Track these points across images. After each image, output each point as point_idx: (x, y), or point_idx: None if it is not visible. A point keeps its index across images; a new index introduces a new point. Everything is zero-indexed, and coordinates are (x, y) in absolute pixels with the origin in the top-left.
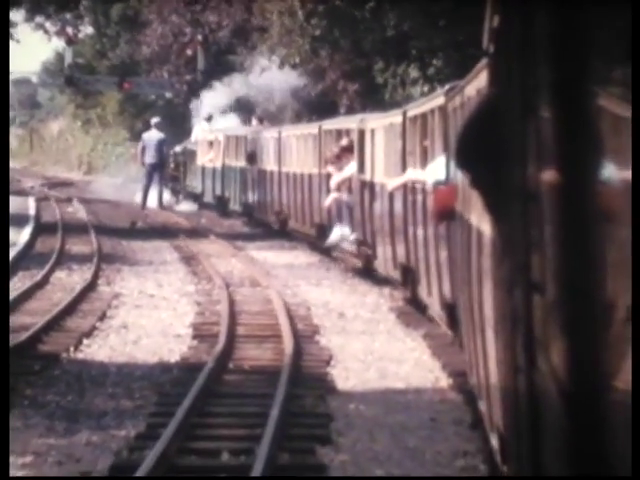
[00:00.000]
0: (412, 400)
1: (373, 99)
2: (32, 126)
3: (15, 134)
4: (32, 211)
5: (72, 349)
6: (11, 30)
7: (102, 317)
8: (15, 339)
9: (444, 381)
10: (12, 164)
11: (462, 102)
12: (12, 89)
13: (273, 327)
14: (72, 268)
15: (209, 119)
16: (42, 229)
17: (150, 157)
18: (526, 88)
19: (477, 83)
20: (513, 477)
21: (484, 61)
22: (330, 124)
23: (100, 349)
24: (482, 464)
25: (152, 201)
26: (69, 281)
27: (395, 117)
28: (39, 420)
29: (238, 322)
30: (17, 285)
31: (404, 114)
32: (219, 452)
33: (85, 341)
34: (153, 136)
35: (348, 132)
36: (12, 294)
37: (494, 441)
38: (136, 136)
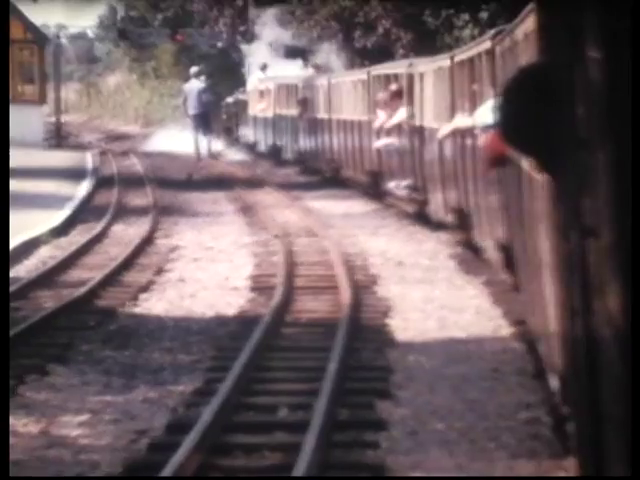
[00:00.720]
0: (473, 350)
1: (425, 45)
2: (89, 80)
3: (73, 89)
4: (90, 165)
5: (129, 304)
6: None
7: (159, 271)
8: (72, 294)
9: (505, 329)
10: (70, 118)
11: (510, 46)
12: (69, 44)
13: (330, 278)
14: (130, 221)
15: (264, 68)
16: (100, 183)
17: (193, 107)
18: (575, 33)
19: (525, 27)
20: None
21: (532, 4)
22: (379, 69)
23: (157, 303)
24: (546, 416)
25: (203, 151)
26: (127, 234)
27: (443, 61)
28: (96, 376)
29: (295, 274)
30: (76, 239)
31: (452, 58)
32: (277, 407)
33: (142, 295)
34: (194, 86)
35: (397, 77)
36: (72, 247)
37: (554, 383)
38: None
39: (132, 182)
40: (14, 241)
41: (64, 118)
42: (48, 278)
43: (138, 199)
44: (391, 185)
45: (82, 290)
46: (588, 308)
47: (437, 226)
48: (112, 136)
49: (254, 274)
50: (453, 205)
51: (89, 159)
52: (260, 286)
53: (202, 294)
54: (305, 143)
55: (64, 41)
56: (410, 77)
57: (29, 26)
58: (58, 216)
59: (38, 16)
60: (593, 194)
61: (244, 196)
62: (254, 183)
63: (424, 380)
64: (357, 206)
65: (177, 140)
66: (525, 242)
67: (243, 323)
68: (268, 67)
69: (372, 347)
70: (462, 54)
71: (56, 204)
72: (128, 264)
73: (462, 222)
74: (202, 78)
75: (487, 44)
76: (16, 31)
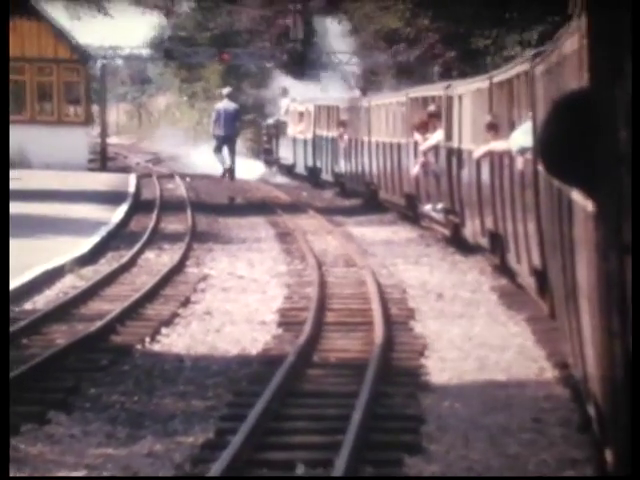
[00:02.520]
0: (514, 396)
1: (469, 64)
2: (140, 101)
3: (124, 110)
4: (132, 188)
5: (148, 340)
6: (106, 5)
7: (186, 302)
8: (86, 330)
9: (549, 372)
10: (120, 140)
11: (549, 67)
12: (123, 65)
13: (365, 313)
14: (163, 248)
15: (284, 93)
16: (139, 207)
17: (225, 128)
18: (617, 52)
19: (564, 48)
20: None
21: (569, 27)
22: (417, 92)
23: (179, 339)
24: (593, 474)
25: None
26: (157, 262)
27: (482, 83)
28: (100, 425)
29: (328, 307)
30: (103, 268)
31: (491, 79)
32: (293, 464)
33: (164, 330)
34: (229, 107)
35: (435, 99)
36: (97, 276)
37: (591, 410)
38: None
39: (173, 206)
40: (36, 270)
41: (114, 140)
42: (65, 311)
43: (176, 224)
44: (426, 208)
45: (98, 325)
46: (626, 328)
47: (482, 257)
48: (160, 158)
49: (285, 307)
50: (488, 228)
51: (132, 182)
52: (289, 321)
53: (228, 329)
54: (344, 165)
55: (119, 62)
56: (449, 99)
57: (74, 46)
58: (87, 243)
59: (94, 37)
60: (632, 213)
61: (285, 221)
62: (296, 207)
63: (459, 431)
64: (400, 232)
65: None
66: (562, 267)
67: (266, 363)
68: (288, 92)
69: (404, 392)
70: (500, 75)
71: (88, 230)
72: (152, 295)
73: (497, 246)
74: (233, 99)
75: (525, 66)
76: (62, 51)
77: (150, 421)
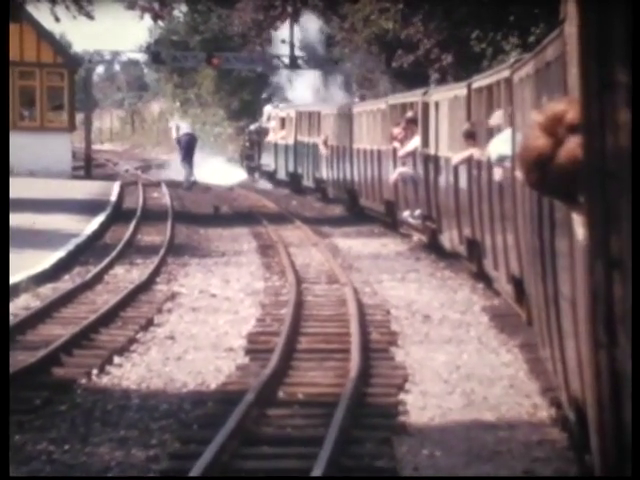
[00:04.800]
0: (503, 440)
1: (467, 69)
2: (134, 108)
3: (118, 116)
4: (114, 197)
5: (95, 372)
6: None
7: (147, 325)
8: (25, 361)
9: (544, 411)
10: (113, 147)
11: (530, 74)
12: (120, 71)
13: (342, 338)
14: (135, 262)
15: (269, 99)
16: (118, 217)
17: (186, 135)
18: (604, 60)
19: (544, 56)
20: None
21: (553, 34)
22: (396, 98)
23: (133, 369)
24: None
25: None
26: (125, 279)
27: (460, 89)
28: None
29: (302, 332)
30: (64, 285)
31: (469, 86)
32: None
33: (116, 359)
34: (184, 127)
35: (412, 105)
36: (54, 295)
37: (571, 415)
38: (233, 115)
39: (154, 216)
40: None
41: (107, 146)
42: (9, 337)
43: (154, 235)
44: (405, 214)
45: (38, 355)
46: (612, 341)
47: (474, 274)
48: (151, 165)
49: (256, 331)
50: (466, 235)
51: (115, 190)
52: (258, 348)
53: (190, 356)
54: (326, 171)
55: (116, 67)
56: (425, 105)
57: (59, 50)
58: (52, 257)
59: (87, 42)
60: (618, 225)
61: (269, 232)
62: (283, 217)
63: None
64: (389, 245)
65: (216, 170)
66: (542, 274)
67: (224, 401)
68: (273, 98)
69: (377, 437)
70: (479, 82)
71: (56, 243)
72: (110, 318)
73: (474, 253)
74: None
75: (506, 72)
76: (45, 55)
77: (79, 475)
